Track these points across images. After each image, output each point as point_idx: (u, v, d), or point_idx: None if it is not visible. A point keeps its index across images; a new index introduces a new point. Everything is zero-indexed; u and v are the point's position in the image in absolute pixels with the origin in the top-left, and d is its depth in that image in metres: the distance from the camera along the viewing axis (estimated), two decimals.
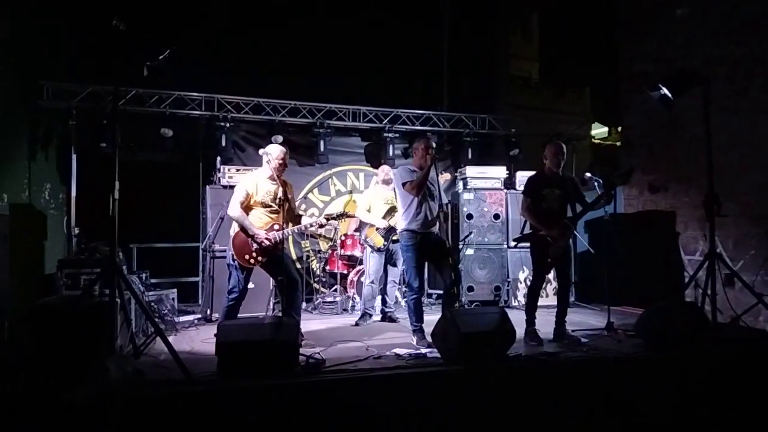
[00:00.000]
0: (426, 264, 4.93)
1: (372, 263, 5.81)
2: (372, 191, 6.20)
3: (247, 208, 4.52)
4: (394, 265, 5.91)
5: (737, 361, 4.08)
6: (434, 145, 4.79)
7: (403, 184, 4.67)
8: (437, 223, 4.70)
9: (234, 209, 4.49)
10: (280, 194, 4.48)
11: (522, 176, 7.19)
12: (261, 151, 4.64)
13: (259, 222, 4.52)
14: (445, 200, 5.04)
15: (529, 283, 5.53)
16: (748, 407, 4.00)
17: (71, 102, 6.17)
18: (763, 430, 4.00)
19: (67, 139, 6.34)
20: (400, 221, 4.83)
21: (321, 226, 5.02)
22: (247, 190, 4.51)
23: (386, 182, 5.98)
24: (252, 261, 4.48)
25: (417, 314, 4.69)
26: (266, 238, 4.45)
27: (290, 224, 4.61)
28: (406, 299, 4.98)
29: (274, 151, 4.58)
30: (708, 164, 4.82)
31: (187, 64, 4.34)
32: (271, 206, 4.55)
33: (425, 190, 4.66)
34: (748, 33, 6.45)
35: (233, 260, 4.51)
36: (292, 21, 7.99)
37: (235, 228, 4.54)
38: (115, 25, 3.55)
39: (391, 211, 5.87)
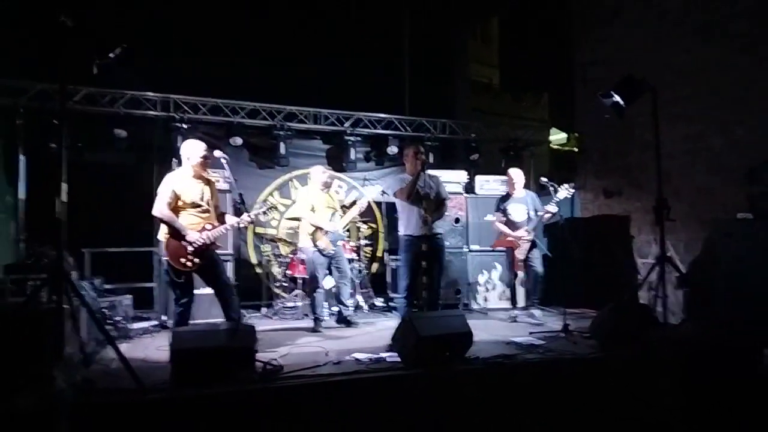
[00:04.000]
0: (415, 267, 5.02)
1: (317, 269, 5.59)
2: (312, 193, 5.87)
3: (175, 210, 4.30)
4: (338, 266, 5.74)
5: (684, 358, 4.21)
6: (422, 149, 5.15)
7: (395, 194, 5.03)
8: (431, 223, 4.91)
9: (160, 209, 4.23)
10: (207, 193, 4.41)
11: (481, 180, 7.29)
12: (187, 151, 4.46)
13: (190, 224, 4.31)
14: (444, 196, 5.18)
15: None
16: (697, 403, 4.13)
17: (19, 100, 5.94)
18: (711, 425, 4.13)
19: (14, 139, 6.09)
20: (399, 227, 5.16)
21: (251, 222, 4.87)
22: (174, 189, 4.28)
23: (326, 185, 5.89)
24: (189, 264, 4.26)
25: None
26: (200, 238, 4.27)
27: (218, 224, 4.46)
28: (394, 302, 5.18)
29: (193, 148, 4.43)
30: (657, 170, 4.96)
31: (142, 63, 4.22)
32: (200, 206, 4.38)
33: (416, 195, 4.90)
34: (697, 40, 6.67)
35: (168, 267, 4.31)
36: (251, 21, 7.89)
37: (164, 232, 4.30)
38: (63, 21, 3.43)
39: (334, 215, 5.81)
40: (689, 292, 5.83)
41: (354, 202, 6.13)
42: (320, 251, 5.60)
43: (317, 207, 5.71)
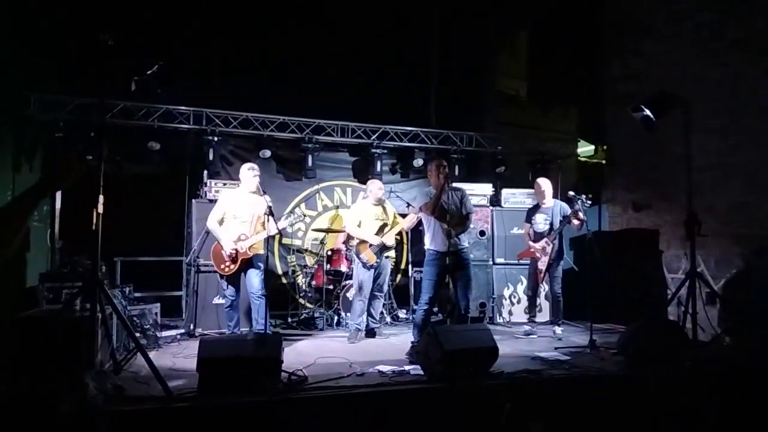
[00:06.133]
0: (439, 281, 5.02)
1: (362, 279, 5.72)
2: (362, 207, 6.05)
3: (222, 220, 5.10)
4: (377, 279, 5.84)
5: (716, 379, 4.12)
6: (445, 163, 5.17)
7: (420, 208, 5.12)
8: (454, 237, 4.89)
9: (210, 221, 5.12)
10: (255, 208, 5.09)
11: (507, 193, 7.27)
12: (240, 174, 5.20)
13: (230, 233, 5.03)
14: (468, 209, 5.15)
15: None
16: (728, 425, 4.03)
17: (58, 114, 6.16)
18: None
19: (53, 151, 6.31)
20: (425, 240, 5.18)
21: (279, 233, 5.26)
22: (224, 207, 5.12)
23: (379, 201, 5.97)
24: (226, 269, 5.05)
25: (421, 329, 4.78)
26: (233, 249, 4.96)
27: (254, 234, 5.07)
28: (415, 312, 5.24)
29: (247, 172, 5.13)
30: (688, 184, 4.89)
31: (176, 77, 4.34)
32: (240, 217, 5.08)
33: (440, 209, 4.91)
34: (732, 53, 6.57)
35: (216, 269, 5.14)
36: (282, 36, 8.04)
37: (213, 240, 5.16)
38: (103, 39, 3.57)
39: (383, 227, 5.86)
40: (721, 309, 5.71)
41: (402, 216, 6.16)
42: (363, 263, 5.72)
43: (364, 221, 5.84)
